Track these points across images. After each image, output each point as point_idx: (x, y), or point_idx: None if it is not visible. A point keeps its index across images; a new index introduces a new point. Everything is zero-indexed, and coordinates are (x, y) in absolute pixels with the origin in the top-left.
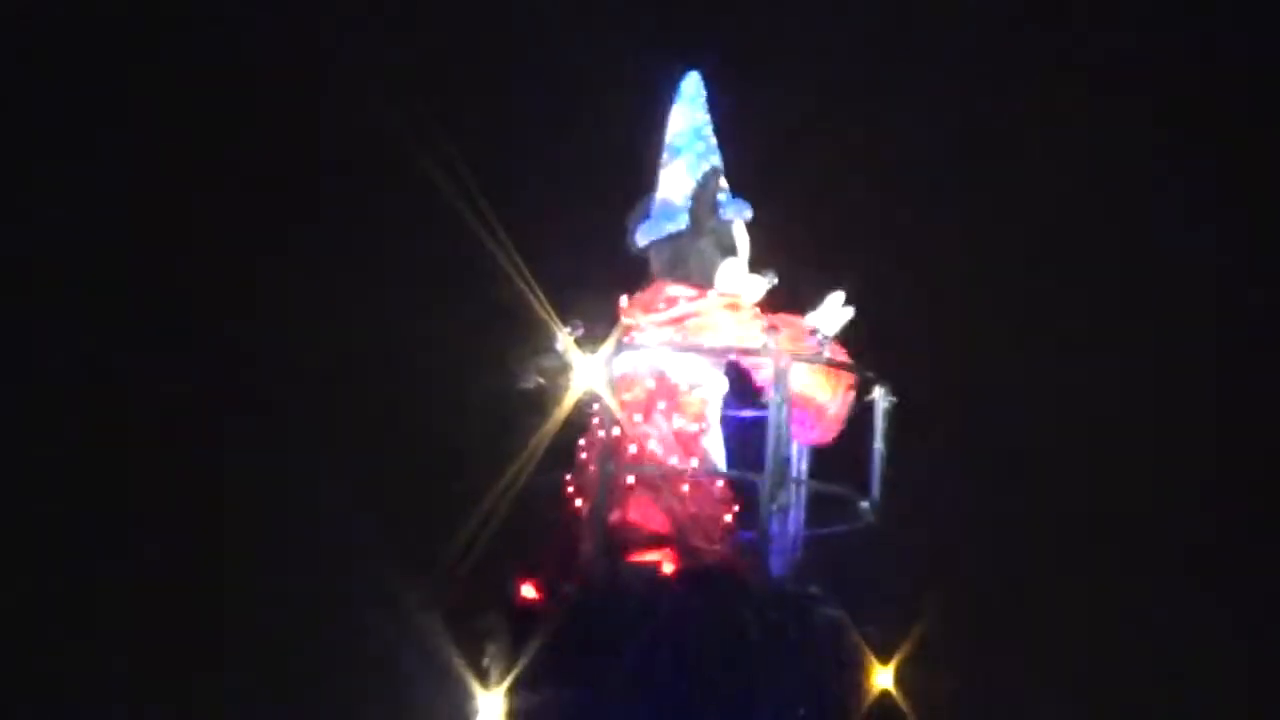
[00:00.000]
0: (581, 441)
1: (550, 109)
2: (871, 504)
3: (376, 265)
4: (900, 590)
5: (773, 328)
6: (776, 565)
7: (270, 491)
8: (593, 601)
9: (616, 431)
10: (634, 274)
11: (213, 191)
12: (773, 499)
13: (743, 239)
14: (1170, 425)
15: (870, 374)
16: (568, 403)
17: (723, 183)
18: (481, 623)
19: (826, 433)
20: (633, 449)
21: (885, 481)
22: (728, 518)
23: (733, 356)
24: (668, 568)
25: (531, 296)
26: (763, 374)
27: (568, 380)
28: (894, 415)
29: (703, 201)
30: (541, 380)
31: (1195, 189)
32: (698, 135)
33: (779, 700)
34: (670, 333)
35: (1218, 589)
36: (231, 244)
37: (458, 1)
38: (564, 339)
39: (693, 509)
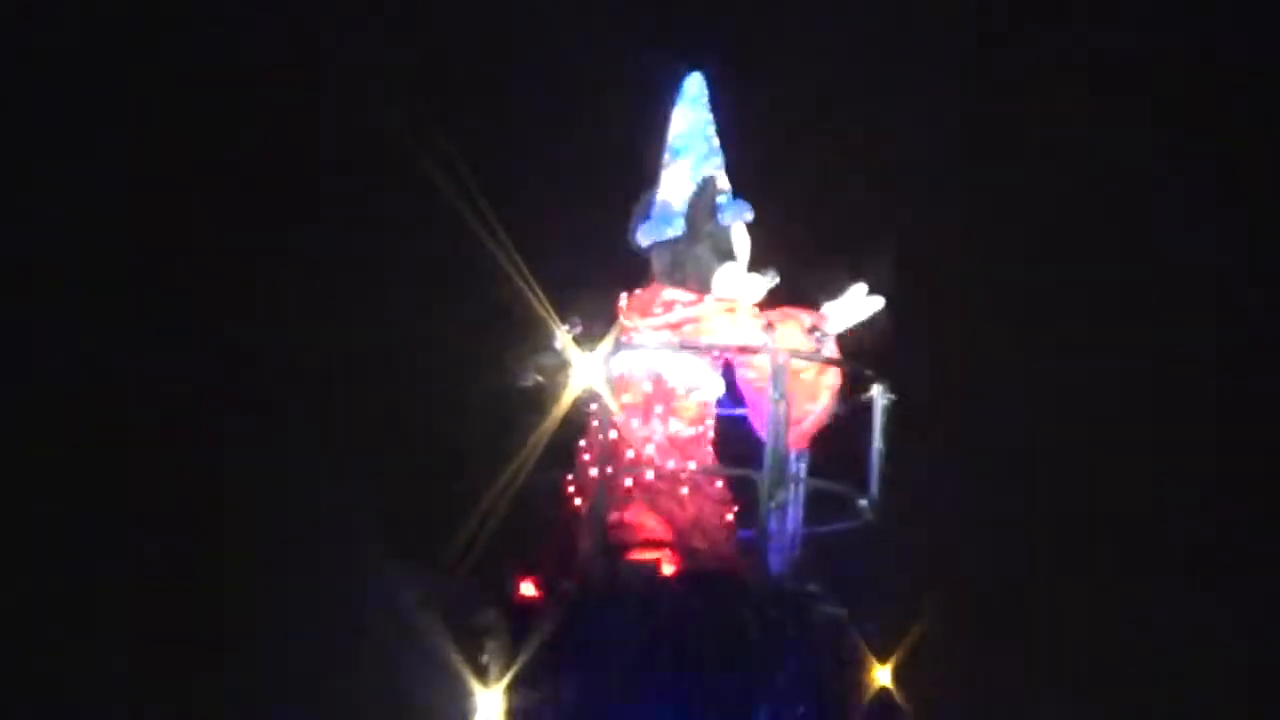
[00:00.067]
0: (582, 442)
1: (550, 109)
2: (871, 502)
3: (376, 265)
4: (900, 589)
5: (770, 326)
6: (775, 563)
7: (270, 491)
8: (592, 600)
9: (614, 435)
10: (634, 273)
11: (212, 191)
12: (771, 497)
13: (742, 241)
14: (1170, 425)
15: (869, 372)
16: (566, 401)
17: (723, 184)
18: (481, 621)
19: (801, 439)
20: (629, 454)
21: (884, 479)
22: (728, 517)
23: (731, 355)
24: (667, 568)
25: (531, 296)
26: (746, 374)
27: (566, 378)
28: (893, 413)
29: (699, 207)
30: (540, 378)
31: (1195, 189)
32: (700, 136)
33: (778, 698)
34: (667, 337)
35: (1218, 589)
36: (231, 244)
37: (458, 1)
38: (562, 337)
39: (693, 512)
